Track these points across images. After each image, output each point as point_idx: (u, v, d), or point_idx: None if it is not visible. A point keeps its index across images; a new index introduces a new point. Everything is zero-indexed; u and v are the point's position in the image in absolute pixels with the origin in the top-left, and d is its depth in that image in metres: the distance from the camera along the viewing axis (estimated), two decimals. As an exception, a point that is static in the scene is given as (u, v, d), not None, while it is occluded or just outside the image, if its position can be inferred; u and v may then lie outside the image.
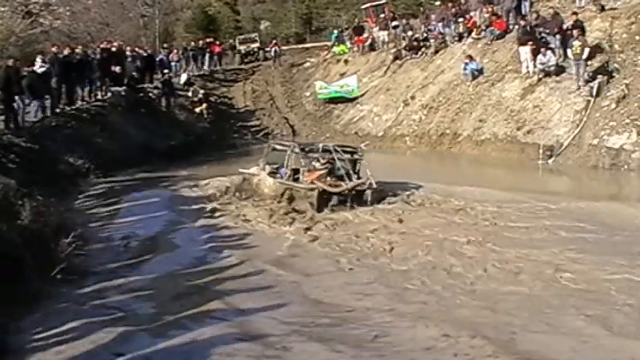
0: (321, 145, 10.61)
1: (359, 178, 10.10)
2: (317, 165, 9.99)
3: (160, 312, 5.77)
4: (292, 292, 6.23)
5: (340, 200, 9.57)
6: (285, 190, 9.87)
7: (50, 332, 5.26)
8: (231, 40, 32.13)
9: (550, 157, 13.44)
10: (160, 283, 6.63)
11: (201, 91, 22.37)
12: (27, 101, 12.52)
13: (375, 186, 9.82)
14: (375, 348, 4.92)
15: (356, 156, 10.45)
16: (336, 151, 10.16)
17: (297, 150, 10.24)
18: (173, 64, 23.46)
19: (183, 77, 23.33)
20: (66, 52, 14.86)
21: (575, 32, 14.12)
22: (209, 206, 10.17)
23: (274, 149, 11.02)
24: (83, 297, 6.13)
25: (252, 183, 10.85)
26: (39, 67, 13.46)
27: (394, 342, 5.00)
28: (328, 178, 9.78)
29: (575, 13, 15.02)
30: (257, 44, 31.47)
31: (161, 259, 7.60)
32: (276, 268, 6.99)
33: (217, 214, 9.74)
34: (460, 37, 19.76)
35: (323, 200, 9.44)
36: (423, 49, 21.10)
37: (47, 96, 13.56)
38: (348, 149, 10.63)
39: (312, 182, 9.65)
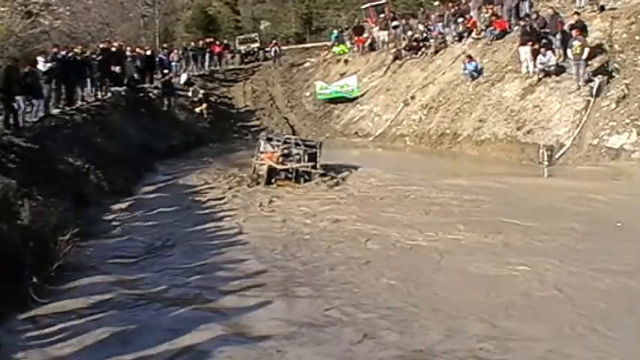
0: (285, 137, 14.22)
1: (316, 163, 12.91)
2: (276, 149, 13.01)
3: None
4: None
5: (287, 176, 12.58)
6: (255, 166, 13.00)
7: (45, 331, 5.26)
8: (226, 41, 32.02)
9: (550, 158, 13.32)
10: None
11: (201, 91, 22.38)
12: (27, 101, 12.48)
13: (318, 168, 12.78)
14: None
15: (313, 149, 13.22)
16: (296, 142, 13.42)
17: (264, 139, 13.60)
18: (173, 64, 23.49)
19: (183, 77, 23.35)
20: (63, 52, 14.85)
21: (574, 32, 14.12)
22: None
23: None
24: (79, 295, 6.14)
25: None
26: (42, 64, 13.45)
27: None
28: (280, 159, 12.68)
29: (577, 13, 15.01)
30: (257, 44, 31.49)
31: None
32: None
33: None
34: (460, 37, 19.75)
35: (272, 174, 12.55)
36: (423, 49, 21.09)
37: (47, 96, 13.55)
38: (308, 142, 13.79)
39: (263, 159, 12.76)
